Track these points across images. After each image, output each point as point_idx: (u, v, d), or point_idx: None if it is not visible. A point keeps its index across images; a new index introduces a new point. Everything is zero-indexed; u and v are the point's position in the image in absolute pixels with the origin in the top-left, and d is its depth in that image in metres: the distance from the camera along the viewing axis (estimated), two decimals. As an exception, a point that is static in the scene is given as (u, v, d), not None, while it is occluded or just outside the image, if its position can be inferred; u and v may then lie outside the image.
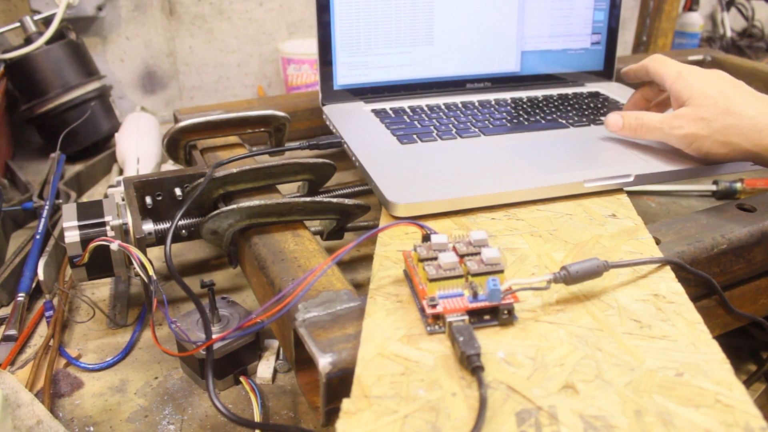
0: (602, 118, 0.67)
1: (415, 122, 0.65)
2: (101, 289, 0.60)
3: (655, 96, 0.63)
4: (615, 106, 0.71)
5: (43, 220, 0.65)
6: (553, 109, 0.69)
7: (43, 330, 0.54)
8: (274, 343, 0.52)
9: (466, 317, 0.35)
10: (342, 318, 0.38)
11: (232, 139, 0.65)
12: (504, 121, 0.66)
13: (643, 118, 0.56)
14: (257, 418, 0.44)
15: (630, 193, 0.54)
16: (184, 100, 1.14)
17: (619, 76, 0.83)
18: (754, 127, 0.50)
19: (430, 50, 0.72)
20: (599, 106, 0.71)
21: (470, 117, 0.66)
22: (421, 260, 0.37)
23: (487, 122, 0.65)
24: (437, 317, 0.36)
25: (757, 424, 0.29)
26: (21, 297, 0.56)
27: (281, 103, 0.78)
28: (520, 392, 0.32)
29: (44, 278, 0.57)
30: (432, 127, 0.63)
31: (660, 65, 0.58)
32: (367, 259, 0.62)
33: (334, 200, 0.50)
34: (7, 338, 0.52)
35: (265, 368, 0.50)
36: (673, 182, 0.80)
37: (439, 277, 0.36)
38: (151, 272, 0.44)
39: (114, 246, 0.46)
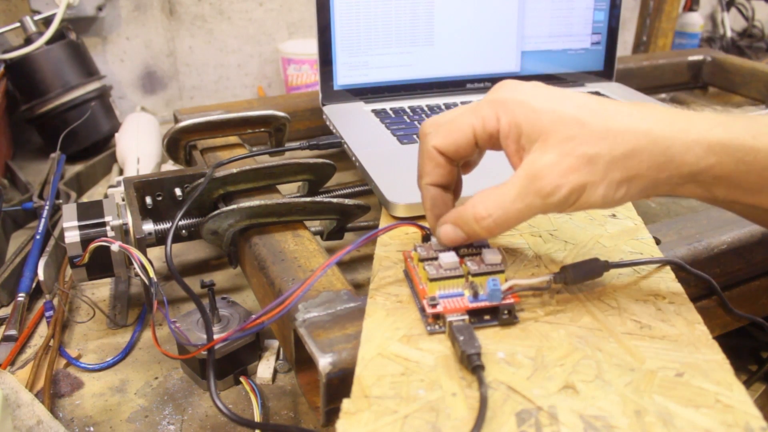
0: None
1: (416, 122, 0.65)
2: (101, 289, 0.60)
3: (451, 174, 0.40)
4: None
5: (43, 220, 0.65)
6: (553, 109, 0.69)
7: (43, 330, 0.54)
8: (274, 343, 0.52)
9: (467, 317, 0.35)
10: (342, 318, 0.38)
11: (232, 139, 0.65)
12: (504, 121, 0.66)
13: (491, 205, 0.35)
14: (257, 418, 0.44)
15: (630, 193, 0.54)
16: (184, 100, 1.14)
17: (619, 76, 0.83)
18: (653, 143, 0.33)
19: (430, 50, 0.72)
20: (599, 106, 0.71)
21: (470, 117, 0.66)
22: (422, 260, 0.37)
23: (487, 122, 0.65)
24: (437, 317, 0.36)
25: (757, 424, 0.29)
26: (21, 297, 0.56)
27: (281, 103, 0.78)
28: (520, 392, 0.32)
29: (44, 278, 0.57)
30: (432, 127, 0.63)
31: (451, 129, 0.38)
32: (367, 259, 0.62)
33: (334, 200, 0.50)
34: (7, 338, 0.52)
35: (265, 368, 0.50)
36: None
37: (440, 277, 0.36)
38: (151, 273, 0.44)
39: (114, 247, 0.46)
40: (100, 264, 0.49)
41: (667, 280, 0.41)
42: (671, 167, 0.33)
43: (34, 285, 0.58)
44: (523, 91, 0.36)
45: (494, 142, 0.37)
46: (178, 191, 0.54)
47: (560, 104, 0.34)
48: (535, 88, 0.36)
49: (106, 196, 0.78)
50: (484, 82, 0.75)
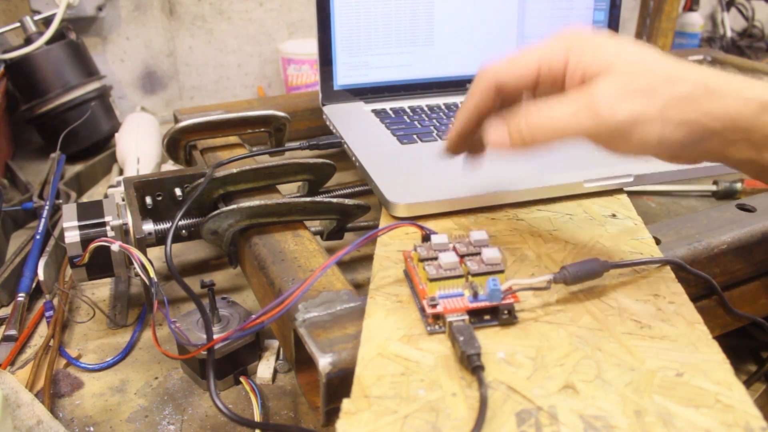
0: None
1: (415, 122, 0.65)
2: (101, 289, 0.60)
3: (491, 108, 0.40)
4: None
5: (43, 220, 0.65)
6: (553, 109, 0.69)
7: (43, 330, 0.54)
8: (274, 343, 0.52)
9: (466, 317, 0.35)
10: (342, 318, 0.38)
11: (232, 139, 0.65)
12: (504, 121, 0.66)
13: (541, 113, 0.36)
14: (257, 418, 0.44)
15: (630, 193, 0.54)
16: (184, 100, 1.14)
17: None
18: (710, 93, 0.34)
19: (430, 50, 0.72)
20: (599, 106, 0.71)
21: (470, 117, 0.66)
22: (422, 260, 0.37)
23: (487, 122, 0.65)
24: (437, 317, 0.36)
25: (757, 424, 0.29)
26: (21, 297, 0.56)
27: (281, 103, 0.78)
28: (520, 392, 0.32)
29: (44, 278, 0.57)
30: (432, 127, 0.63)
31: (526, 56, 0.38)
32: (367, 259, 0.62)
33: (334, 200, 0.50)
34: (7, 338, 0.52)
35: (265, 368, 0.50)
36: (673, 182, 0.80)
37: (440, 277, 0.36)
38: (152, 274, 0.44)
39: (115, 247, 0.46)
40: (100, 264, 0.49)
41: (667, 280, 0.41)
42: (726, 118, 0.34)
43: (34, 285, 0.58)
44: (587, 32, 0.37)
45: (554, 79, 0.37)
46: (178, 191, 0.54)
47: (624, 45, 0.36)
48: (598, 32, 0.37)
49: (106, 196, 0.78)
50: (484, 82, 0.75)
